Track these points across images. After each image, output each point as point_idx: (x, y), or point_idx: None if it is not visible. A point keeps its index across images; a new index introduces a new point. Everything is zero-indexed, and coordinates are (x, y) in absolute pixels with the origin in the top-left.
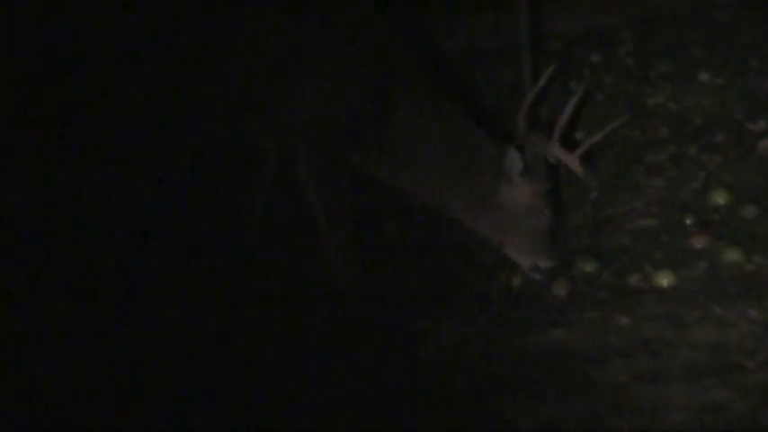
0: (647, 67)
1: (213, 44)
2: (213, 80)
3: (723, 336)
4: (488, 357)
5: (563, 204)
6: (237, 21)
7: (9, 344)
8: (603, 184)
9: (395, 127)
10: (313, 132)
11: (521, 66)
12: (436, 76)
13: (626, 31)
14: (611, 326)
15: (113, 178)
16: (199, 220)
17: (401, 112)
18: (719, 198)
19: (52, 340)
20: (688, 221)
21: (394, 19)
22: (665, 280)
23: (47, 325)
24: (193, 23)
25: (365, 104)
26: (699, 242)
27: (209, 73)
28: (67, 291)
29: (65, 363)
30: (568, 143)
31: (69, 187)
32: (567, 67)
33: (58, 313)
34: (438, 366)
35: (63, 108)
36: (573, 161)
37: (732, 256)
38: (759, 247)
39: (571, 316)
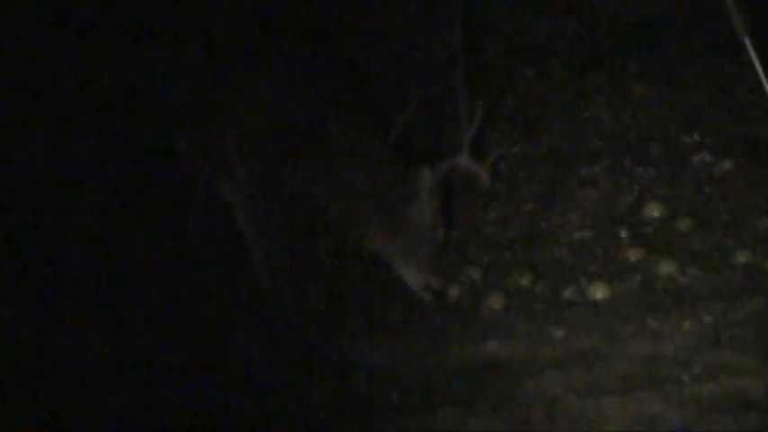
0: (581, 79)
1: (151, 57)
2: (149, 93)
3: (658, 348)
4: (422, 370)
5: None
6: (176, 36)
7: None
8: (538, 197)
9: (325, 143)
10: (249, 145)
11: (455, 80)
12: (368, 92)
13: (560, 44)
14: (545, 338)
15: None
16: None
17: (331, 129)
18: (654, 211)
19: None
20: (623, 234)
21: (328, 35)
22: (599, 292)
23: None
24: (131, 37)
25: (299, 119)
26: (633, 255)
27: (145, 86)
28: None
29: None
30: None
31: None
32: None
33: None
34: (371, 379)
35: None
36: (483, 172)
37: (666, 268)
38: (693, 259)
39: (506, 328)
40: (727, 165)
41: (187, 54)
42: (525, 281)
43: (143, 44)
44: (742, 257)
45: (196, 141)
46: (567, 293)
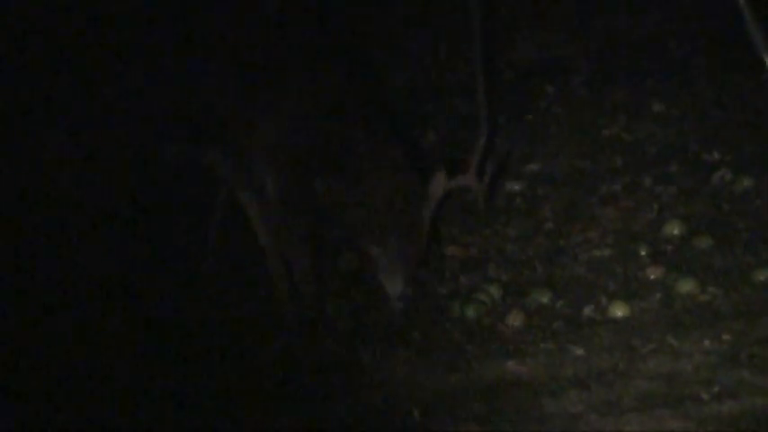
0: (601, 97)
1: (182, 70)
2: (181, 106)
3: (678, 366)
4: (443, 389)
5: None
6: (208, 51)
7: None
8: (558, 215)
9: (349, 156)
10: (280, 157)
11: (475, 97)
12: (391, 109)
13: (580, 60)
14: (565, 357)
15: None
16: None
17: (356, 142)
18: (674, 229)
19: None
20: (642, 252)
21: (351, 54)
22: (619, 311)
23: None
24: (161, 50)
25: (327, 132)
26: (653, 273)
27: (176, 99)
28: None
29: None
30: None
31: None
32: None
33: None
34: (392, 397)
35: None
36: (480, 191)
37: (686, 286)
38: (713, 277)
39: (525, 347)
40: (746, 182)
41: (220, 68)
42: (545, 299)
43: (174, 58)
44: (762, 276)
45: (226, 154)
46: (587, 311)
